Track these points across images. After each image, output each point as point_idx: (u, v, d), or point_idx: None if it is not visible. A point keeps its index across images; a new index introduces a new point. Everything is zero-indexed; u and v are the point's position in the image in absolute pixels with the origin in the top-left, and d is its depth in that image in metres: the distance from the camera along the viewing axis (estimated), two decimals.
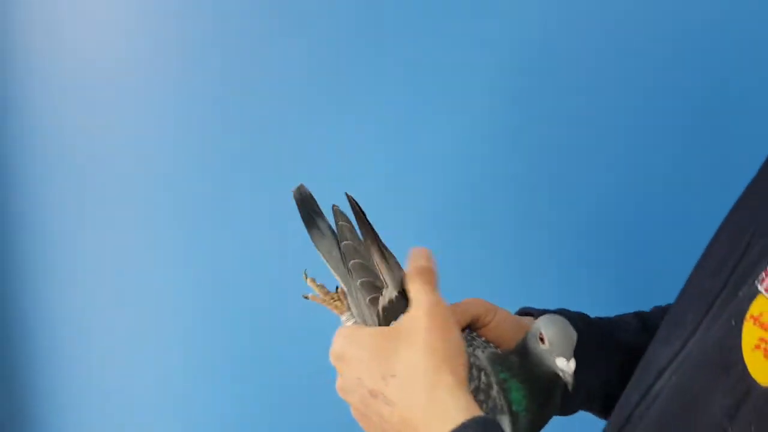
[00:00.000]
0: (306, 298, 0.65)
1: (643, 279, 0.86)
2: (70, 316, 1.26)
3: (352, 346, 0.55)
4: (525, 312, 0.70)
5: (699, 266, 0.58)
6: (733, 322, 0.46)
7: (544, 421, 0.58)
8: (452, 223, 1.03)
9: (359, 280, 0.59)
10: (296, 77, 1.08)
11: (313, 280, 0.65)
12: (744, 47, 0.87)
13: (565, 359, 0.55)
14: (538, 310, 0.70)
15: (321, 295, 0.65)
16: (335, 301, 0.64)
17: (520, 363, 0.57)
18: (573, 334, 0.56)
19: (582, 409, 0.70)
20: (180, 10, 1.12)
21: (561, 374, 0.55)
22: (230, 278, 1.15)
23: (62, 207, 1.23)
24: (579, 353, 0.59)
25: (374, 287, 0.59)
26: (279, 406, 1.16)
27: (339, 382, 0.57)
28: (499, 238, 1.02)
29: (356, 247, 0.60)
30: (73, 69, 1.18)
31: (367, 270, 0.59)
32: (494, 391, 0.56)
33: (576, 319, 0.67)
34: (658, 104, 0.92)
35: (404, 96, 1.03)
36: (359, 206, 0.61)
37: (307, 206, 0.63)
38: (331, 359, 0.57)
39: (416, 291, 0.56)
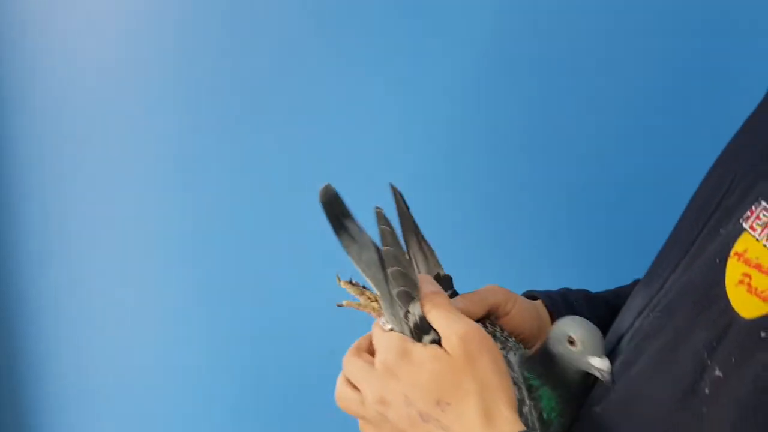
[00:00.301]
0: (341, 306, 0.63)
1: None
2: (63, 317, 1.24)
3: (408, 363, 0.53)
4: (529, 296, 0.70)
5: (685, 211, 0.60)
6: (717, 260, 0.47)
7: (573, 421, 0.58)
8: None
9: (397, 290, 0.56)
10: (297, 75, 1.08)
11: (350, 282, 0.62)
12: None
13: (599, 358, 0.55)
14: (542, 292, 0.70)
15: (360, 299, 0.62)
16: (373, 302, 0.62)
17: (548, 367, 0.57)
18: (599, 333, 0.56)
19: None
20: (175, 10, 1.11)
21: (599, 374, 0.54)
22: (229, 277, 1.14)
23: (55, 207, 1.22)
24: None
25: (412, 298, 0.56)
26: (277, 406, 1.16)
27: (375, 390, 0.54)
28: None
29: (396, 255, 0.57)
30: (68, 67, 1.17)
31: (407, 278, 0.56)
32: (526, 407, 0.56)
33: (581, 299, 0.69)
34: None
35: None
36: (404, 199, 0.62)
37: (335, 208, 0.59)
38: (379, 366, 0.54)
39: (444, 318, 0.55)
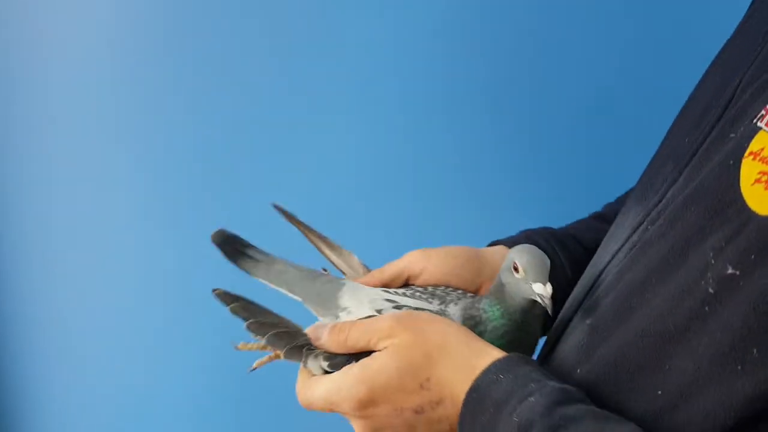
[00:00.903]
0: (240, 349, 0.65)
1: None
2: (51, 317, 1.22)
3: (377, 387, 0.53)
4: (493, 245, 0.71)
5: (675, 125, 0.60)
6: (730, 162, 0.46)
7: (528, 352, 0.58)
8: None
9: (286, 348, 0.58)
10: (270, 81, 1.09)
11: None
12: None
13: (541, 284, 0.54)
14: (505, 239, 0.71)
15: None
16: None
17: (499, 299, 0.57)
18: (546, 259, 0.56)
19: None
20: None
21: (539, 300, 0.54)
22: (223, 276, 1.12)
23: (42, 206, 1.20)
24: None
25: (301, 349, 0.58)
26: (274, 407, 1.17)
27: (367, 428, 0.55)
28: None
29: (261, 321, 0.59)
30: (56, 66, 1.14)
31: (288, 335, 0.59)
32: None
33: (546, 235, 0.70)
34: None
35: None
36: (290, 213, 0.68)
37: (232, 245, 0.65)
38: (358, 412, 0.54)
39: (366, 329, 0.56)
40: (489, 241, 0.72)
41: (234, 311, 0.59)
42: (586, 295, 0.56)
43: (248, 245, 0.66)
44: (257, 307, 0.60)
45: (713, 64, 0.60)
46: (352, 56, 1.08)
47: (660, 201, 0.53)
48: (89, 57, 1.12)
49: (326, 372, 0.57)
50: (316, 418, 1.11)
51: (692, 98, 0.60)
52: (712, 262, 0.44)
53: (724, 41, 0.61)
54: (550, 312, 0.54)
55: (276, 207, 0.69)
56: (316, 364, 0.57)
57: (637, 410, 0.47)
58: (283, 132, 1.11)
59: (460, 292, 0.63)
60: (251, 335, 0.60)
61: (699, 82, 0.61)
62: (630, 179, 0.78)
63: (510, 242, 0.70)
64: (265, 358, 0.64)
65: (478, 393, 0.50)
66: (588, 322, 0.53)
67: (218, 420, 1.21)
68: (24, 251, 1.20)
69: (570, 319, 0.57)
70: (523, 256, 0.56)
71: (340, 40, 1.08)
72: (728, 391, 0.42)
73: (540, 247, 0.67)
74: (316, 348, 0.58)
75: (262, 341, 0.59)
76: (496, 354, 0.53)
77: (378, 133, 1.09)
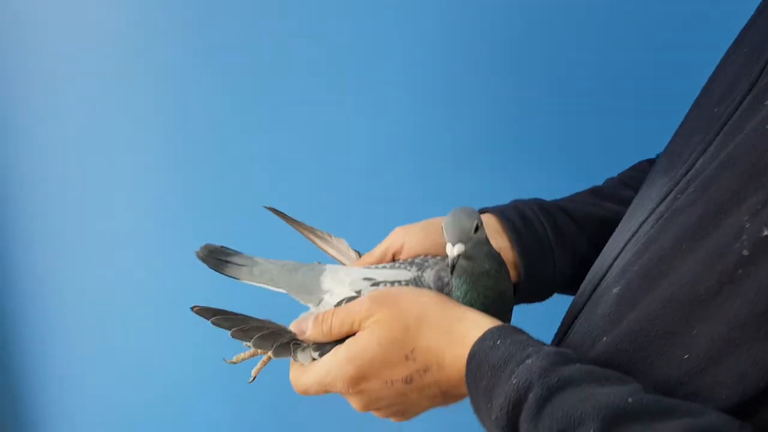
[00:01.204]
0: (233, 362, 0.69)
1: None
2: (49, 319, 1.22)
3: (364, 363, 0.57)
4: (481, 212, 0.72)
5: (702, 98, 0.61)
6: (766, 127, 0.46)
7: (500, 311, 0.60)
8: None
9: (274, 347, 0.61)
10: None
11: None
12: None
13: (450, 244, 0.57)
14: (492, 207, 0.73)
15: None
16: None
17: (463, 268, 0.59)
18: (462, 220, 0.57)
19: (560, 291, 0.73)
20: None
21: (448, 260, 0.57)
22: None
23: (36, 206, 1.18)
24: (533, 241, 0.68)
25: (288, 345, 0.61)
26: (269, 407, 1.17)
27: (363, 402, 0.59)
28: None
29: (243, 328, 0.62)
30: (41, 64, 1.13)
31: (272, 335, 0.61)
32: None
33: (533, 207, 0.71)
34: None
35: None
36: (281, 213, 0.73)
37: (215, 256, 0.69)
38: (351, 389, 0.58)
39: (346, 313, 0.59)
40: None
41: (216, 324, 0.62)
42: (610, 266, 0.56)
43: (231, 253, 0.70)
44: (238, 316, 0.63)
45: (737, 41, 0.61)
46: (347, 42, 1.07)
47: (689, 171, 0.53)
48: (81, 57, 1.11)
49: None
50: (315, 418, 1.15)
51: (718, 73, 0.61)
52: (747, 225, 0.45)
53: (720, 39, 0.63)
54: (450, 273, 0.57)
55: (268, 209, 0.73)
56: (306, 355, 0.60)
57: (662, 375, 0.47)
58: (277, 126, 1.10)
59: (439, 257, 0.66)
60: (242, 344, 0.63)
61: (723, 58, 0.62)
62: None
63: (497, 210, 0.72)
64: (259, 364, 0.67)
65: (476, 360, 0.52)
66: (615, 291, 0.53)
67: (216, 420, 1.20)
68: (17, 250, 1.19)
69: (593, 291, 0.57)
70: (446, 218, 0.58)
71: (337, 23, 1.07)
72: (763, 352, 0.43)
73: (526, 217, 0.71)
74: (303, 342, 0.61)
75: (250, 346, 0.62)
76: (473, 316, 0.56)
77: (374, 118, 1.09)
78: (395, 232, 0.70)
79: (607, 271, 0.57)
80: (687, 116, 0.63)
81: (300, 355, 0.61)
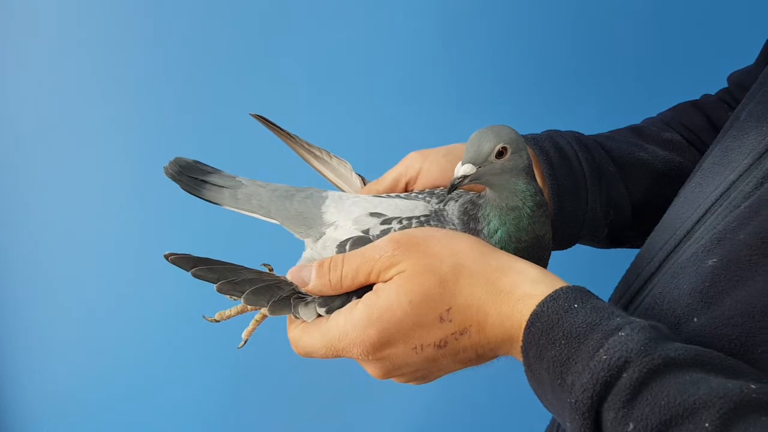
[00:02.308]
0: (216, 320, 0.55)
1: None
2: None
3: (390, 326, 0.46)
4: None
5: None
6: None
7: (537, 255, 0.50)
8: None
9: (270, 303, 0.49)
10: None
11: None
12: None
13: (460, 163, 0.49)
14: (530, 134, 0.63)
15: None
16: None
17: (488, 199, 0.50)
18: (484, 140, 0.48)
19: (584, 241, 0.64)
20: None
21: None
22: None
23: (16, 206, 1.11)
24: (567, 176, 0.58)
25: (288, 300, 0.50)
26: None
27: (383, 370, 0.48)
28: None
29: (232, 280, 0.50)
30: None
31: (268, 288, 0.50)
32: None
33: (571, 139, 0.62)
34: None
35: None
36: (270, 121, 0.59)
37: (189, 174, 0.56)
38: (371, 356, 0.47)
39: (362, 260, 0.48)
40: None
41: (198, 275, 0.49)
42: (691, 229, 0.47)
43: (209, 171, 0.57)
44: (225, 265, 0.50)
45: None
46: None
47: None
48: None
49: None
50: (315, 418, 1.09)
51: None
52: None
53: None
54: (447, 192, 0.49)
55: (254, 116, 0.59)
56: (310, 311, 0.49)
57: None
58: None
59: (463, 190, 0.55)
60: (228, 298, 0.50)
61: None
62: None
63: (530, 139, 0.62)
64: (251, 324, 0.54)
65: (542, 322, 0.42)
66: (711, 262, 0.44)
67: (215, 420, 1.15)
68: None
69: (667, 257, 0.48)
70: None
71: None
72: None
73: (561, 150, 0.61)
74: (306, 294, 0.49)
75: (240, 302, 0.50)
76: (520, 266, 0.45)
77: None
78: (410, 157, 0.59)
79: (686, 235, 0.47)
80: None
81: (302, 311, 0.49)
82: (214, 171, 0.57)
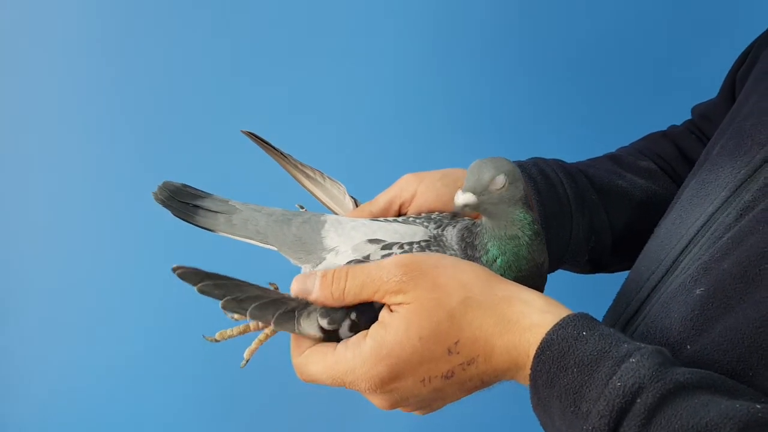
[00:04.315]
0: (216, 340, 0.54)
1: None
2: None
3: (400, 362, 0.46)
4: None
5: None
6: None
7: (534, 281, 0.51)
8: None
9: (275, 316, 0.49)
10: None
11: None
12: None
13: (460, 191, 0.50)
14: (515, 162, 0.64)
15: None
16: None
17: (486, 227, 0.51)
18: (484, 170, 0.50)
19: (566, 265, 0.66)
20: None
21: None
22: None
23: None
24: (553, 203, 0.60)
25: (293, 312, 0.49)
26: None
27: (390, 402, 0.49)
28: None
29: (238, 297, 0.49)
30: None
31: (273, 303, 0.49)
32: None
33: (555, 167, 0.64)
34: None
35: None
36: (262, 139, 0.58)
37: (180, 199, 0.55)
38: (379, 390, 0.47)
39: (367, 278, 0.48)
40: None
41: (203, 291, 0.48)
42: (676, 259, 0.49)
43: (201, 195, 0.55)
44: (232, 281, 0.49)
45: None
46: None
47: None
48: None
49: (325, 331, 0.48)
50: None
51: None
52: None
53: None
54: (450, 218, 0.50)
55: (245, 133, 0.58)
56: (312, 323, 0.48)
57: (765, 391, 0.41)
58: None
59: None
60: (230, 316, 0.50)
61: None
62: None
63: (517, 165, 0.61)
64: (253, 343, 0.53)
65: (553, 351, 0.43)
66: (699, 291, 0.46)
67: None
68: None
69: (655, 287, 0.50)
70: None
71: None
72: None
73: (548, 177, 0.63)
74: (308, 305, 0.49)
75: (245, 318, 0.50)
76: (524, 295, 0.46)
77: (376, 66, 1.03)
78: (405, 180, 0.59)
79: (672, 265, 0.49)
80: (748, 92, 0.56)
81: (304, 323, 0.48)
82: (206, 195, 0.56)
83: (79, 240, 1.06)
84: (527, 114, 1.05)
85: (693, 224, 0.50)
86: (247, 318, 0.49)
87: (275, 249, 0.55)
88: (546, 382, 0.42)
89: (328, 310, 0.48)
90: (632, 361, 0.40)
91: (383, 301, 0.47)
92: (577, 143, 1.02)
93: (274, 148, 0.59)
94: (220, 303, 0.48)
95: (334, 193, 0.60)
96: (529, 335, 0.44)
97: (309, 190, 0.60)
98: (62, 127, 1.03)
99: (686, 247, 0.49)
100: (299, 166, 0.59)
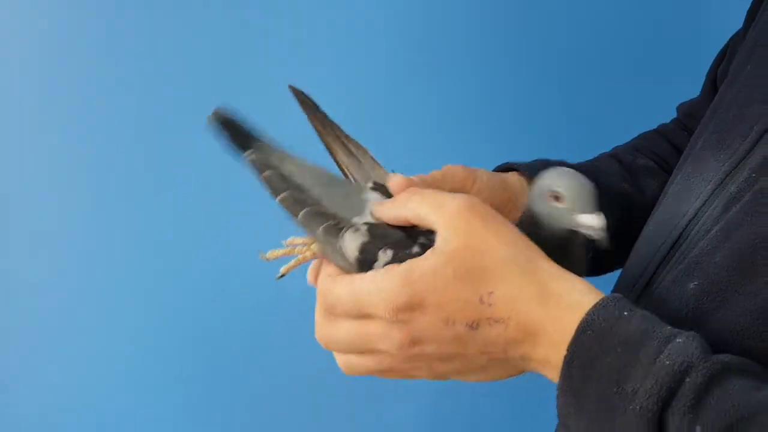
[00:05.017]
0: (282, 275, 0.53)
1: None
2: None
3: (428, 288, 0.44)
4: (507, 168, 0.64)
5: (753, 68, 0.54)
6: None
7: None
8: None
9: (323, 227, 0.48)
10: None
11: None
12: None
13: (593, 215, 0.47)
14: (522, 163, 0.64)
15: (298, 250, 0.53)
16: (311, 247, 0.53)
17: (533, 232, 0.49)
18: (590, 185, 0.48)
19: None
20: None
21: (591, 232, 0.47)
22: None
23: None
24: None
25: (338, 228, 0.49)
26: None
27: (404, 337, 0.45)
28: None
29: (296, 197, 0.49)
30: None
31: (323, 216, 0.49)
32: None
33: (559, 165, 0.63)
34: None
35: None
36: (308, 97, 0.54)
37: (233, 130, 0.52)
38: (397, 316, 0.44)
39: (433, 200, 0.47)
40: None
41: (268, 179, 0.48)
42: (667, 254, 0.50)
43: (256, 136, 0.52)
44: (297, 182, 0.48)
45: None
46: None
47: (755, 145, 0.48)
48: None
49: (364, 250, 0.48)
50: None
51: (762, 37, 0.55)
52: None
53: None
54: (605, 245, 0.47)
55: (292, 89, 0.54)
56: (355, 239, 0.48)
57: None
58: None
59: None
60: (284, 210, 0.49)
61: (757, 24, 0.57)
62: None
63: (525, 167, 0.62)
64: (293, 261, 0.53)
65: (595, 331, 0.41)
66: (692, 285, 0.47)
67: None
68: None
69: (648, 283, 0.51)
70: (563, 182, 0.48)
71: None
72: None
73: None
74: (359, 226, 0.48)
75: (297, 222, 0.49)
76: (570, 276, 0.45)
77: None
78: (452, 170, 0.57)
79: (663, 260, 0.51)
80: (727, 87, 0.57)
81: (348, 236, 0.47)
82: (256, 136, 0.53)
83: (79, 240, 1.07)
84: (519, 113, 1.07)
85: (681, 219, 0.51)
86: (299, 219, 0.49)
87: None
88: (584, 362, 0.41)
89: (373, 227, 0.48)
90: (679, 341, 0.40)
91: (432, 227, 0.46)
92: (568, 142, 1.04)
93: (319, 111, 0.55)
94: (277, 197, 0.49)
95: (371, 177, 0.56)
96: (571, 312, 0.43)
97: (344, 170, 0.55)
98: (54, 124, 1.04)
99: (676, 242, 0.50)
100: (343, 138, 0.55)
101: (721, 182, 0.49)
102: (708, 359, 0.39)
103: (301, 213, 0.48)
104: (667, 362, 0.39)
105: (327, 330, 0.48)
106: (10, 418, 1.07)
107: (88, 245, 1.05)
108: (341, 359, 0.49)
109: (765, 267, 0.43)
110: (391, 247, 0.47)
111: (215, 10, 1.01)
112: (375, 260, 0.48)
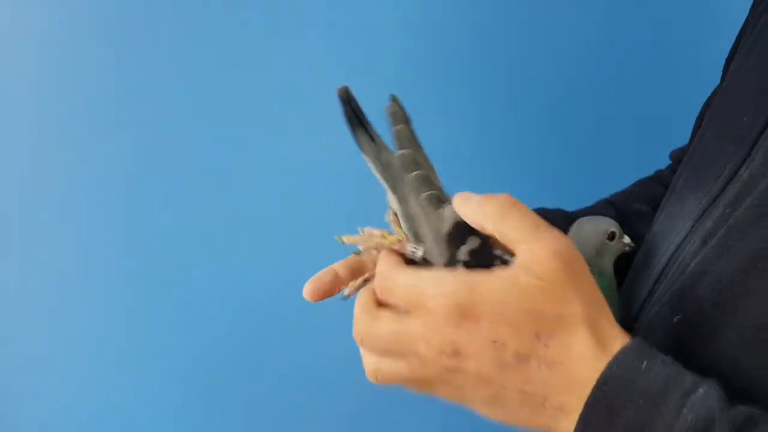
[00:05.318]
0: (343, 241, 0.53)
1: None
2: None
3: (485, 300, 0.42)
4: None
5: (722, 110, 0.58)
6: None
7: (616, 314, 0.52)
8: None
9: (425, 194, 0.48)
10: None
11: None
12: None
13: (626, 236, 0.63)
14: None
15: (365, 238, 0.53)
16: (380, 238, 0.52)
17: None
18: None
19: None
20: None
21: (628, 248, 0.63)
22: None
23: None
24: None
25: (442, 201, 0.48)
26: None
27: (448, 344, 0.43)
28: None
29: (416, 158, 0.49)
30: None
31: (432, 184, 0.49)
32: None
33: (558, 216, 0.69)
34: None
35: None
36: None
37: (353, 107, 0.51)
38: (450, 321, 0.42)
39: (516, 229, 0.45)
40: None
41: (400, 132, 0.49)
42: (651, 289, 0.52)
43: (365, 118, 0.52)
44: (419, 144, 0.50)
45: (748, 50, 0.58)
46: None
47: (727, 183, 0.50)
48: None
49: (453, 233, 0.47)
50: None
51: (732, 82, 0.59)
52: None
53: None
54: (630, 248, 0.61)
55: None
56: (453, 216, 0.47)
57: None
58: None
59: None
60: (392, 170, 0.49)
61: (732, 67, 0.60)
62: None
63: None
64: (359, 280, 0.52)
65: (615, 384, 0.40)
66: (676, 319, 0.48)
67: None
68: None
69: (636, 317, 0.53)
70: (609, 223, 0.62)
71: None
72: None
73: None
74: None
75: (405, 182, 0.49)
76: (620, 334, 0.44)
77: None
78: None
79: (648, 295, 0.52)
80: (704, 129, 0.59)
81: (448, 209, 0.47)
82: (367, 122, 0.52)
83: (79, 240, 1.06)
84: (516, 159, 1.09)
85: (664, 255, 0.53)
86: (412, 180, 0.49)
87: (393, 201, 0.52)
88: (605, 417, 0.40)
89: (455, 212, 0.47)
90: (700, 392, 0.39)
91: (510, 248, 0.44)
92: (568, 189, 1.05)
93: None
94: (398, 152, 0.50)
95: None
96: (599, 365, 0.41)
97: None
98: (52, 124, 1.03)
99: (659, 278, 0.52)
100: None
101: (699, 218, 0.51)
102: (729, 411, 0.38)
103: (416, 173, 0.49)
104: (690, 416, 0.38)
105: (367, 324, 0.45)
106: (10, 418, 1.08)
107: (88, 245, 1.05)
108: (371, 362, 0.46)
109: (746, 297, 0.44)
110: (480, 238, 0.46)
111: (215, 10, 1.01)
112: (463, 243, 0.46)
